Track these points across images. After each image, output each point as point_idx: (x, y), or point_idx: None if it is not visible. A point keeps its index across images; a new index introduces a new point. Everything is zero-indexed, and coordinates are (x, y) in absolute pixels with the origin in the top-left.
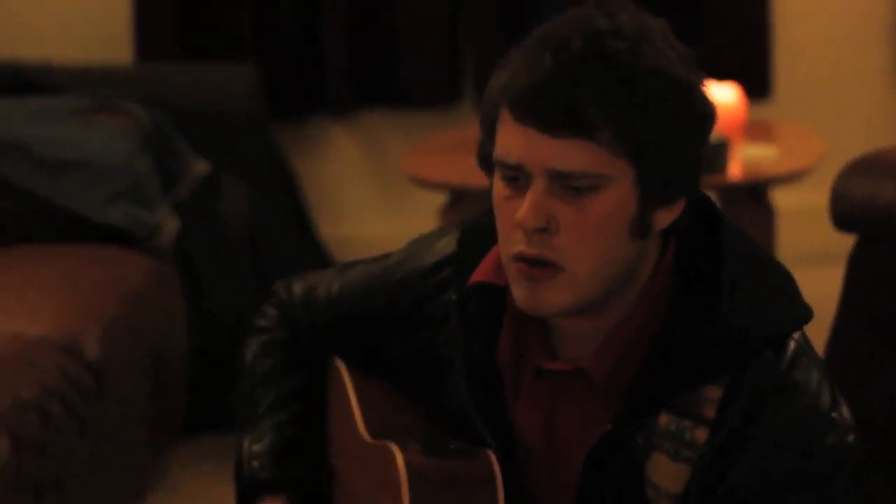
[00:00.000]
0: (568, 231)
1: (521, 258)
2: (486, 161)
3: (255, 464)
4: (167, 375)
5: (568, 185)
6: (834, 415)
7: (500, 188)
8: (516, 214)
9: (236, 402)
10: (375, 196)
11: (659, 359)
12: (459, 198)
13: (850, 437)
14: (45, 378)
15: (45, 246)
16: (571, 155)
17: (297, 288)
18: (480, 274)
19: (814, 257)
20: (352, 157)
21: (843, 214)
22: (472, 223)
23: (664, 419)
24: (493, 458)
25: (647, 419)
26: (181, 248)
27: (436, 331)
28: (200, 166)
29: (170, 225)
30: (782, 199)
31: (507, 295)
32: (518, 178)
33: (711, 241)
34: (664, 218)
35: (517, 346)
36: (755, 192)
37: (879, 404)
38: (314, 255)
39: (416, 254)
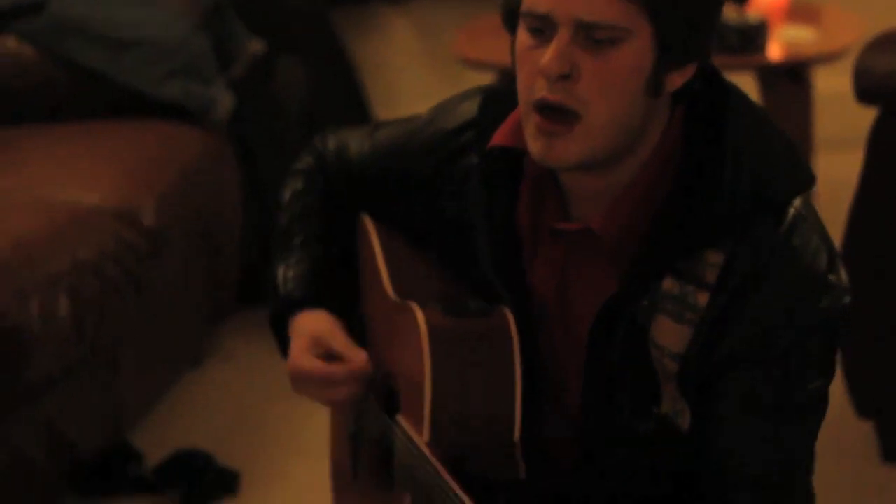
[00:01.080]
0: (588, 79)
1: (542, 104)
2: (511, 15)
3: (291, 285)
4: (220, 247)
5: (591, 36)
6: (831, 277)
7: (524, 39)
8: (541, 61)
9: (272, 236)
10: (429, 79)
11: (664, 223)
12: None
13: (846, 300)
14: (102, 242)
15: (104, 121)
16: (597, 7)
17: (332, 143)
18: (500, 137)
19: (852, 141)
20: (406, 42)
21: (866, 88)
22: (494, 88)
23: (668, 283)
24: (509, 314)
25: (651, 283)
26: (236, 124)
27: (457, 192)
28: (255, 45)
29: (225, 101)
30: (823, 82)
31: (527, 158)
32: (543, 29)
33: (718, 108)
34: (676, 80)
35: (535, 208)
36: (794, 72)
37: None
38: None
39: (440, 116)
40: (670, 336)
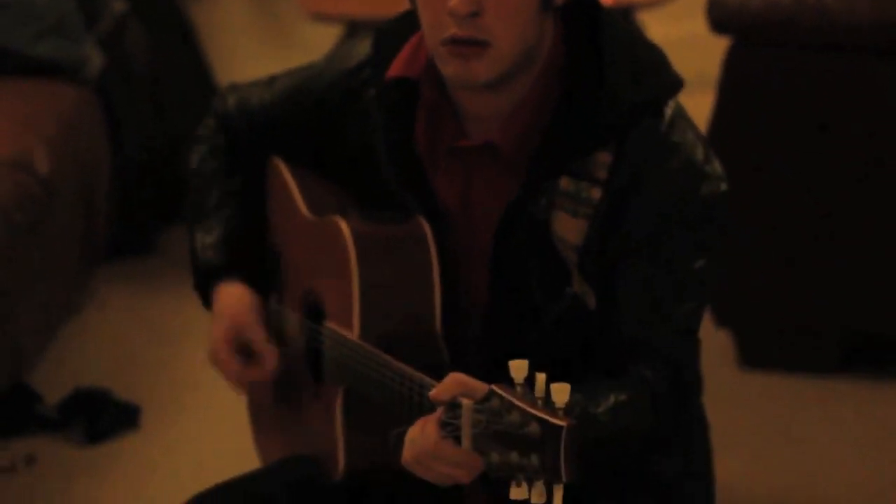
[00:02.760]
0: (493, 11)
1: (453, 40)
2: None
3: (209, 253)
4: (95, 196)
5: None
6: (707, 168)
7: None
8: (449, 3)
9: (186, 203)
10: (270, 40)
11: (555, 129)
12: (354, 31)
13: (722, 186)
14: (2, 192)
15: None
16: None
17: (231, 99)
18: (395, 69)
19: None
20: (245, 5)
21: (719, 20)
22: (384, 26)
23: (564, 182)
24: (422, 221)
25: (548, 182)
26: (101, 82)
27: (360, 125)
28: (118, 5)
29: (95, 59)
30: (656, 28)
31: (421, 86)
32: None
33: (592, 22)
34: None
35: (432, 131)
36: (623, 16)
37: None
38: (210, 98)
39: (337, 59)
40: (569, 230)
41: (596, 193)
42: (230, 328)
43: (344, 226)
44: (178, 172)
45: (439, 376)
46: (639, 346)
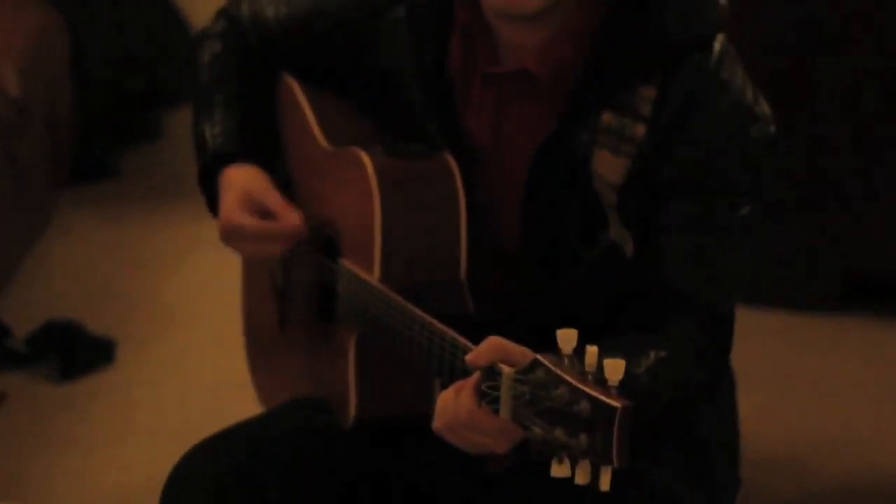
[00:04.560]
0: None
1: None
2: None
3: (220, 140)
4: (61, 119)
5: None
6: (757, 109)
7: None
8: None
9: (191, 97)
10: None
11: (598, 59)
12: None
13: (771, 129)
14: None
15: None
16: None
17: (245, 8)
18: None
19: None
20: None
21: None
22: None
23: (606, 117)
24: (449, 156)
25: (590, 116)
26: (61, 2)
27: (386, 44)
28: None
29: None
30: None
31: (455, 8)
32: None
33: None
34: None
35: (466, 55)
36: None
37: None
38: (170, 19)
39: None
40: (609, 168)
41: (640, 130)
42: (242, 194)
43: (366, 159)
44: (139, 94)
45: (462, 327)
46: (680, 297)
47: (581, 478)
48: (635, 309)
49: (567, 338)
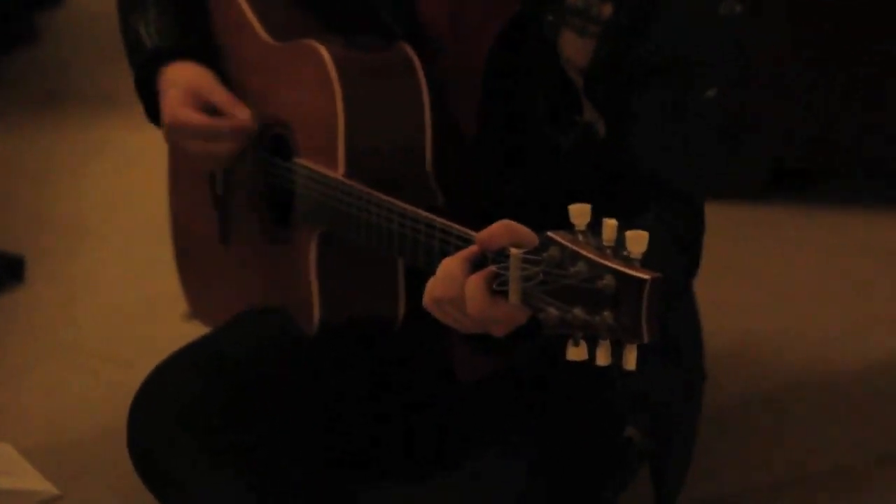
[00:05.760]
0: None
1: None
2: None
3: (157, 38)
4: None
5: None
6: None
7: None
8: None
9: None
10: None
11: None
12: None
13: (738, 6)
14: None
15: None
16: None
17: None
18: None
19: None
20: None
21: None
22: None
23: None
24: (407, 47)
25: None
26: None
27: None
28: None
29: None
30: None
31: None
32: None
33: None
34: None
35: None
36: None
37: None
38: None
39: None
40: (575, 50)
41: (606, 10)
42: (187, 90)
43: (324, 52)
44: None
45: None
46: (656, 184)
47: (602, 358)
48: (609, 194)
49: (581, 212)
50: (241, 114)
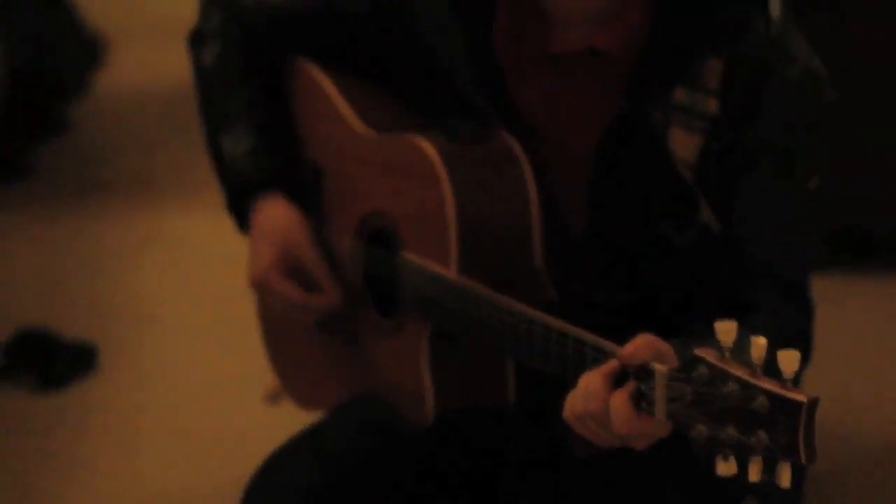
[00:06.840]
0: None
1: None
2: None
3: (244, 164)
4: None
5: None
6: (823, 73)
7: None
8: None
9: (200, 106)
10: None
11: (663, 30)
12: None
13: (834, 92)
14: None
15: None
16: None
17: None
18: None
19: None
20: None
21: None
22: None
23: (679, 93)
24: (509, 137)
25: (663, 92)
26: None
27: (420, 15)
28: None
29: None
30: None
31: None
32: None
33: None
34: None
35: (515, 34)
36: None
37: None
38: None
39: None
40: (684, 146)
41: (712, 105)
42: (280, 251)
43: (427, 146)
44: (40, 88)
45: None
46: (766, 275)
47: (755, 475)
48: (720, 289)
49: (727, 330)
50: (332, 294)
